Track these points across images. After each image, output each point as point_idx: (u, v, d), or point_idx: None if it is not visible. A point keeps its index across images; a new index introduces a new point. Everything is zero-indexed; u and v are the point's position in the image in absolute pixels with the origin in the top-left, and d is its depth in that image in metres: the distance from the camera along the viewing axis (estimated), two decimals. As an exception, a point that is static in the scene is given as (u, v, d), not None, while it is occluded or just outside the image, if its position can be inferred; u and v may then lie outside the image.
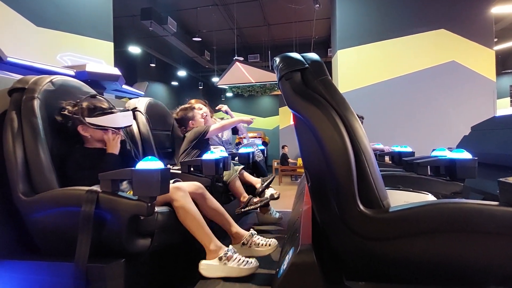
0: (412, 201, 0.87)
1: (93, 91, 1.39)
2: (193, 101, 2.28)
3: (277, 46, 9.20)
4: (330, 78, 0.90)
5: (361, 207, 0.76)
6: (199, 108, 2.15)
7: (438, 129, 4.07)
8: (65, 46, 2.95)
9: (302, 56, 0.93)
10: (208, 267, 1.12)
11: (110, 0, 3.81)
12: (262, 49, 9.13)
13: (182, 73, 11.27)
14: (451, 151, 1.34)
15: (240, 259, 1.13)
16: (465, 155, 1.24)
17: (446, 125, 4.05)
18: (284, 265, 0.87)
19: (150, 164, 0.90)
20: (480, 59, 4.11)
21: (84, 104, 1.17)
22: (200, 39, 8.28)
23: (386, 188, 0.98)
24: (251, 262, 1.14)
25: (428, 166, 1.35)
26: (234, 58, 6.69)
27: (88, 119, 1.15)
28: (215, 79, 9.30)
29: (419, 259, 0.75)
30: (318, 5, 5.24)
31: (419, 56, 4.20)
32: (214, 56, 9.49)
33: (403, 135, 4.06)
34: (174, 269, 1.26)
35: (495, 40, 7.56)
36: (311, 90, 0.85)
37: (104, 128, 1.18)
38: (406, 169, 1.42)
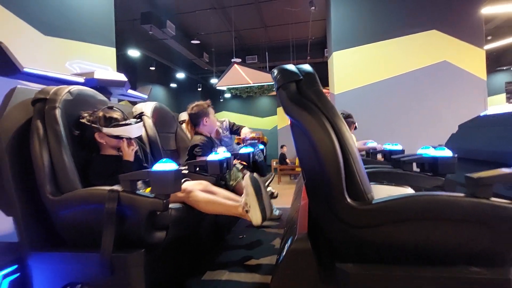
0: (394, 194, 1.00)
1: (106, 99, 1.52)
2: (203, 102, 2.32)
3: (274, 48, 9.30)
4: (322, 87, 1.02)
5: (349, 200, 0.89)
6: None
7: (431, 128, 4.18)
8: (71, 54, 3.05)
9: (297, 68, 1.05)
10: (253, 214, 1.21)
11: (112, 7, 3.89)
12: (259, 51, 9.23)
13: (181, 75, 11.35)
14: (435, 149, 1.47)
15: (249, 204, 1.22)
16: (446, 152, 1.37)
17: (438, 123, 4.17)
18: (284, 252, 0.99)
19: (165, 165, 1.03)
20: (471, 58, 4.23)
21: (101, 114, 1.30)
22: (199, 42, 8.37)
23: (373, 183, 1.11)
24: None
25: (415, 163, 1.48)
26: (232, 61, 6.79)
27: (105, 129, 1.28)
28: (213, 81, 9.39)
29: (399, 243, 0.88)
30: (314, 8, 5.34)
31: (412, 56, 4.31)
32: (213, 58, 9.58)
33: (397, 133, 4.18)
34: (184, 260, 1.39)
35: (489, 38, 7.69)
36: (304, 99, 0.97)
37: (119, 138, 1.31)
38: (394, 166, 1.55)
